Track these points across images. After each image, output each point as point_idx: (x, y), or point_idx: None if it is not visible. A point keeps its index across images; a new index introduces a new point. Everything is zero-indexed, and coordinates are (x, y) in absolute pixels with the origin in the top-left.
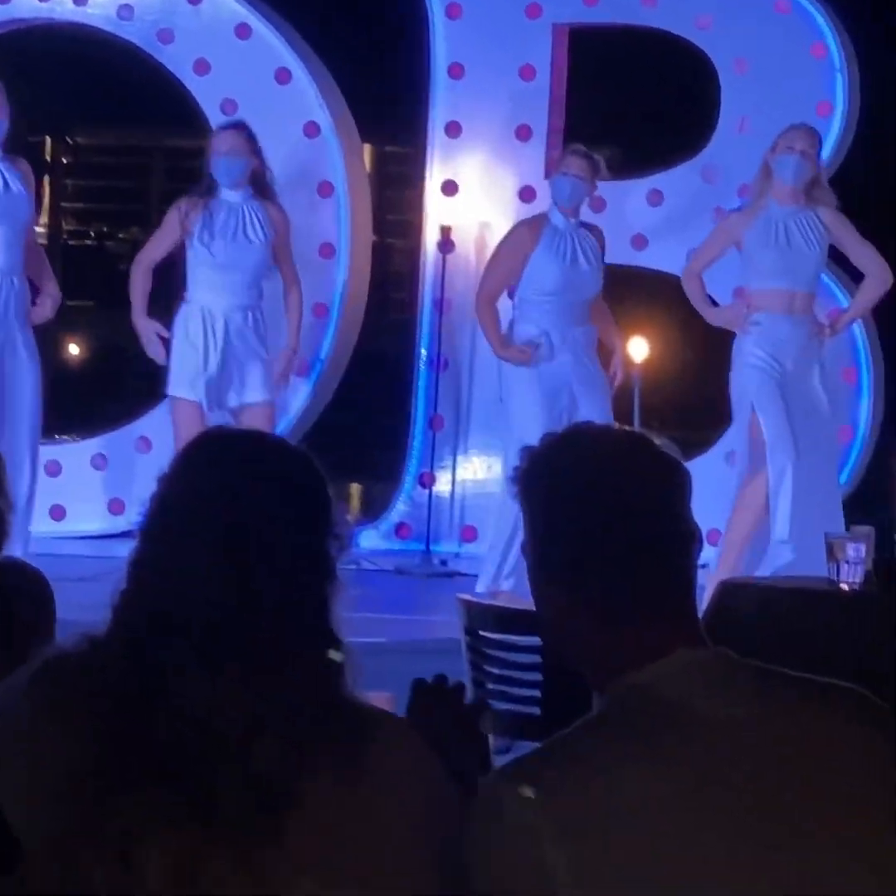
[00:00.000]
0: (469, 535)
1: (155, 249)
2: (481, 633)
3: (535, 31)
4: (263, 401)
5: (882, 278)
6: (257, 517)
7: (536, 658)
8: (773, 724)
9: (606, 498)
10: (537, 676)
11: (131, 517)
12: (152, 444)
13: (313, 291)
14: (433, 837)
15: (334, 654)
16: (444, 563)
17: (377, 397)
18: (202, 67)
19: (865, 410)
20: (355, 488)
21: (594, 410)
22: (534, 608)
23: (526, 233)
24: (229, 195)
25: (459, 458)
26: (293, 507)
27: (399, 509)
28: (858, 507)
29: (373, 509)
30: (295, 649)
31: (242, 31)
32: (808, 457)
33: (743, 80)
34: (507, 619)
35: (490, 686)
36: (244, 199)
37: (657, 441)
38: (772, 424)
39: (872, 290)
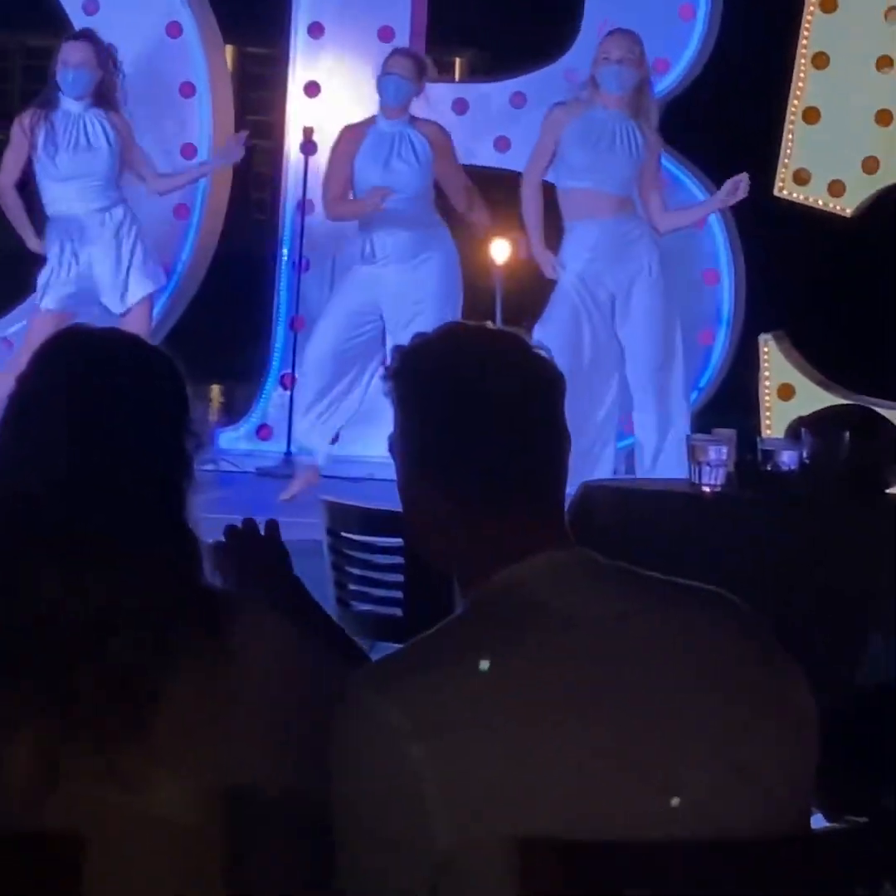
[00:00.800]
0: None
1: (9, 170)
2: (343, 534)
3: None
4: (136, 302)
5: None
6: (109, 410)
7: (399, 559)
8: (636, 623)
9: (485, 394)
10: (399, 578)
11: None
12: (14, 345)
13: (174, 192)
14: (295, 725)
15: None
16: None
17: (238, 298)
18: None
19: (727, 313)
20: (215, 389)
21: (418, 312)
22: (397, 509)
23: (349, 136)
24: (72, 105)
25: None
26: (147, 401)
27: (260, 411)
28: (722, 409)
29: (234, 411)
30: (148, 541)
31: None
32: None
33: None
34: (371, 519)
35: (352, 587)
36: (85, 108)
37: (531, 343)
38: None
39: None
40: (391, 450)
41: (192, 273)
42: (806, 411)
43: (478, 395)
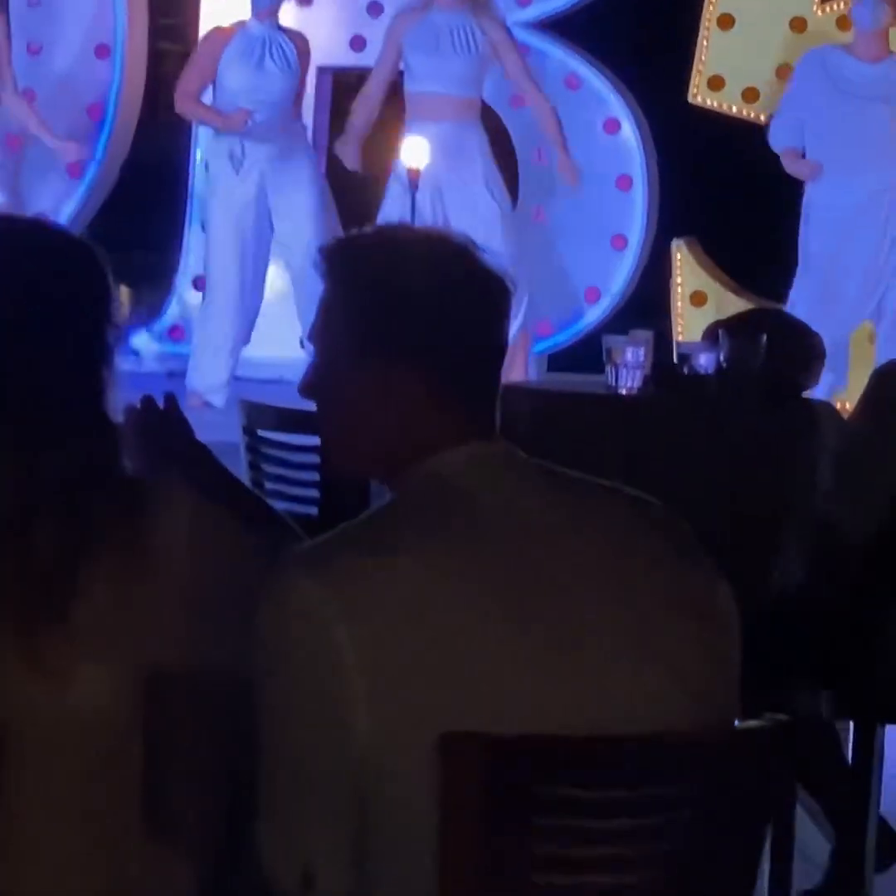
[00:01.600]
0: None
1: None
2: (260, 432)
3: None
4: None
5: (549, 113)
6: (30, 298)
7: (315, 458)
8: (559, 517)
9: (434, 285)
10: (315, 476)
11: None
12: None
13: (88, 92)
14: (218, 605)
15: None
16: None
17: (151, 200)
18: None
19: (640, 218)
20: (125, 291)
21: (294, 216)
22: (314, 409)
23: (217, 36)
24: None
25: None
26: (68, 289)
27: (172, 312)
28: (635, 314)
29: (146, 312)
30: (68, 429)
31: None
32: None
33: None
34: (286, 419)
35: (268, 486)
36: None
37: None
38: None
39: (549, 125)
40: (312, 338)
41: (106, 173)
42: (718, 317)
43: (427, 285)
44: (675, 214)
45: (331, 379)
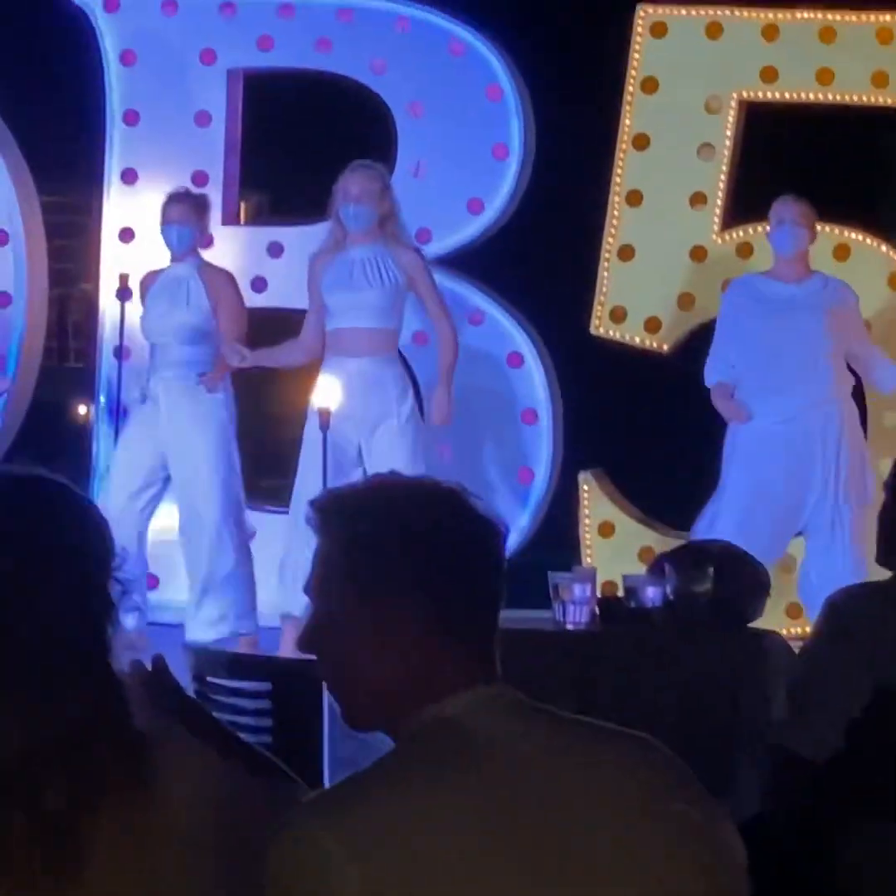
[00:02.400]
0: (153, 583)
1: None
2: (209, 679)
3: (210, 76)
4: None
5: (449, 344)
6: (35, 554)
7: (266, 703)
8: (561, 758)
9: (435, 538)
10: (268, 722)
11: None
12: None
13: None
14: (226, 859)
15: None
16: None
17: (56, 447)
18: None
19: (546, 452)
20: None
21: (188, 460)
22: (264, 654)
23: (145, 282)
24: None
25: None
26: (73, 545)
27: None
28: (543, 547)
29: None
30: (72, 684)
31: None
32: None
33: (419, 123)
34: (237, 665)
35: None
36: None
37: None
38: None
39: (444, 356)
40: (310, 591)
41: (9, 421)
42: (626, 548)
43: (422, 531)
44: (581, 446)
45: (331, 630)
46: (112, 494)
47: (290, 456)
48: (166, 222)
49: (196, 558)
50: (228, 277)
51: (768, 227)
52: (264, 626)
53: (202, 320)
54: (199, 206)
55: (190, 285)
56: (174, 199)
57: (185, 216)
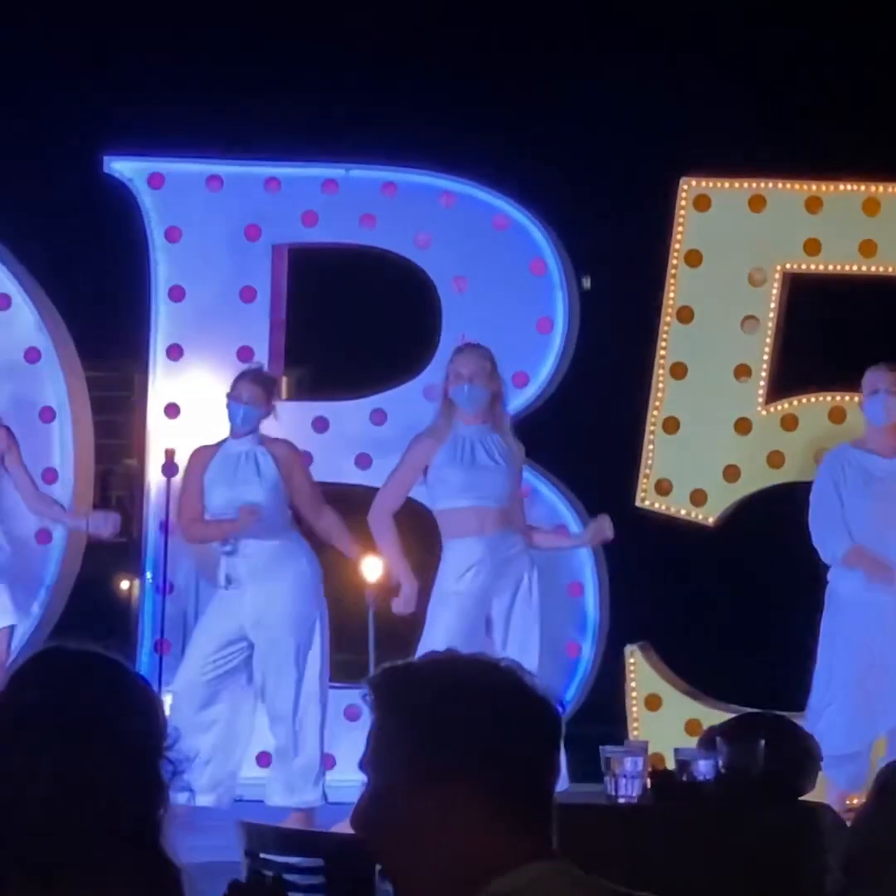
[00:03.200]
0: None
1: None
2: (262, 855)
3: (255, 252)
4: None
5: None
6: (87, 739)
7: (320, 879)
8: None
9: (492, 719)
10: None
11: None
12: None
13: (36, 516)
14: None
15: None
16: None
17: (102, 622)
18: None
19: (592, 624)
20: None
21: (278, 634)
22: (316, 830)
23: (198, 457)
24: None
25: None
26: (124, 729)
27: None
28: (590, 720)
29: None
30: (127, 870)
31: None
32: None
33: (463, 298)
34: (289, 840)
35: None
36: None
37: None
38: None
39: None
40: (365, 767)
41: (57, 596)
42: (673, 720)
43: (482, 711)
44: (627, 618)
45: (390, 807)
46: (189, 667)
47: (352, 630)
48: (235, 399)
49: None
50: (291, 446)
51: (860, 397)
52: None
53: (274, 492)
54: (267, 385)
55: (258, 460)
56: (246, 378)
57: (255, 397)
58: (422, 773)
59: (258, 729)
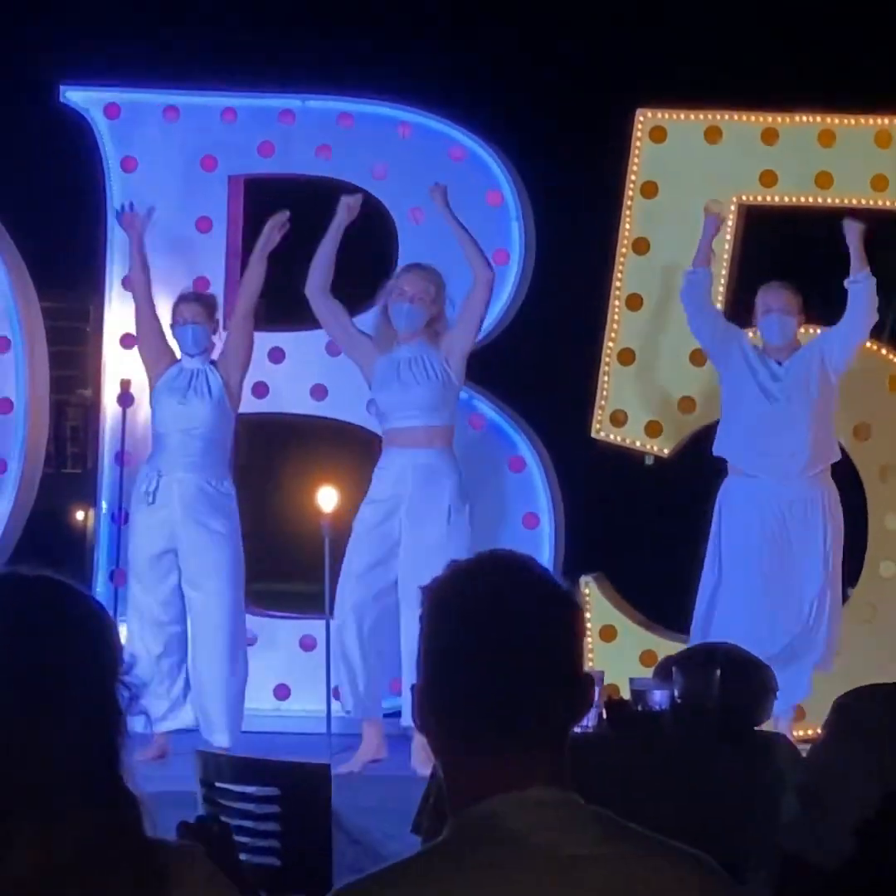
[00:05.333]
0: None
1: None
2: (218, 784)
3: (211, 182)
4: None
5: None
6: (42, 663)
7: (275, 808)
8: (609, 865)
9: (481, 630)
10: (276, 827)
11: None
12: None
13: None
14: None
15: None
16: None
17: (58, 552)
18: None
19: (547, 556)
20: None
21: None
22: (270, 759)
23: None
24: None
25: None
26: (80, 652)
27: None
28: None
29: None
30: (84, 797)
31: None
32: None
33: (419, 229)
34: (244, 769)
35: None
36: None
37: (546, 576)
38: None
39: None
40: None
41: (12, 527)
42: (628, 651)
43: (465, 630)
44: (582, 550)
45: (419, 710)
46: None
47: (308, 560)
48: (179, 323)
49: (196, 661)
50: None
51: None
52: (265, 731)
53: (219, 413)
54: (209, 305)
55: (209, 379)
56: (185, 300)
57: (199, 316)
58: (421, 684)
59: (270, 661)
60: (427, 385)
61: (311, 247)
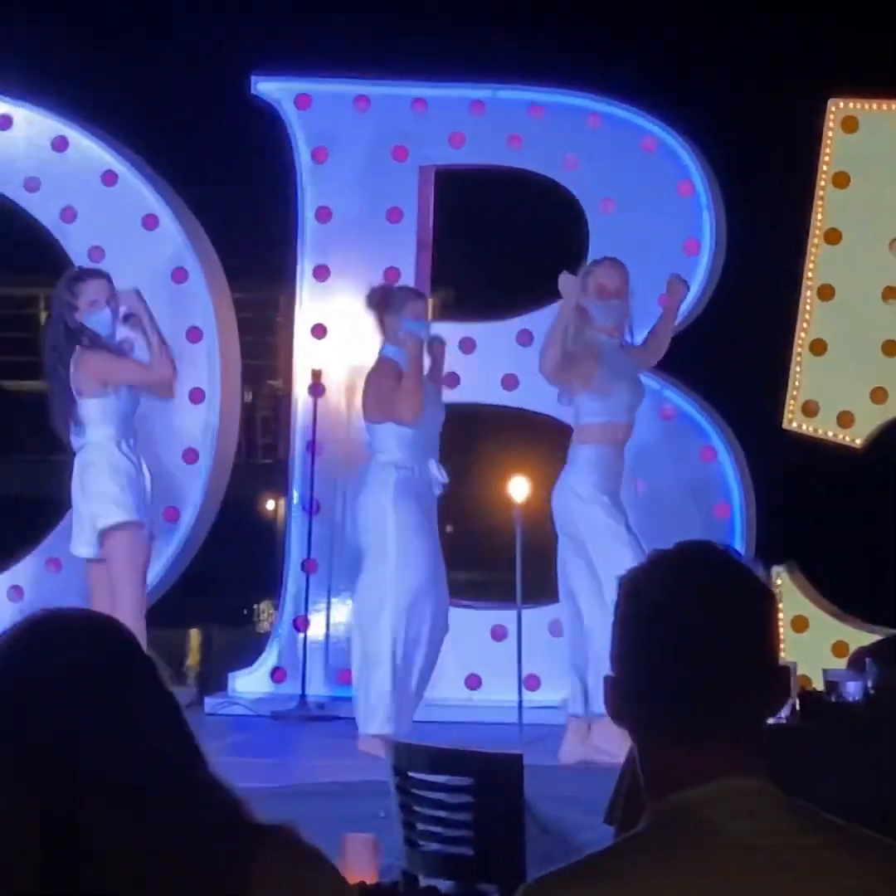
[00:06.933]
0: (345, 678)
1: None
2: (411, 774)
3: (402, 173)
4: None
5: None
6: (110, 693)
7: (468, 798)
8: (810, 857)
9: (684, 621)
10: (468, 816)
11: None
12: (24, 592)
13: (184, 436)
14: None
15: None
16: (320, 706)
17: (249, 542)
18: (69, 215)
19: (738, 545)
20: (226, 632)
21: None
22: (464, 748)
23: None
24: None
25: (334, 601)
26: (137, 671)
27: (274, 654)
28: None
29: (247, 654)
30: (163, 792)
31: (109, 177)
32: None
33: (610, 220)
34: (438, 759)
35: (420, 827)
36: None
37: (745, 567)
38: None
39: None
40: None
41: (203, 516)
42: (820, 643)
43: (671, 622)
44: (774, 540)
45: (613, 700)
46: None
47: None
48: (414, 318)
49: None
50: None
51: None
52: (456, 721)
53: None
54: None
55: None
56: (419, 296)
57: (427, 314)
58: (617, 675)
59: (462, 650)
60: (638, 382)
61: (500, 239)
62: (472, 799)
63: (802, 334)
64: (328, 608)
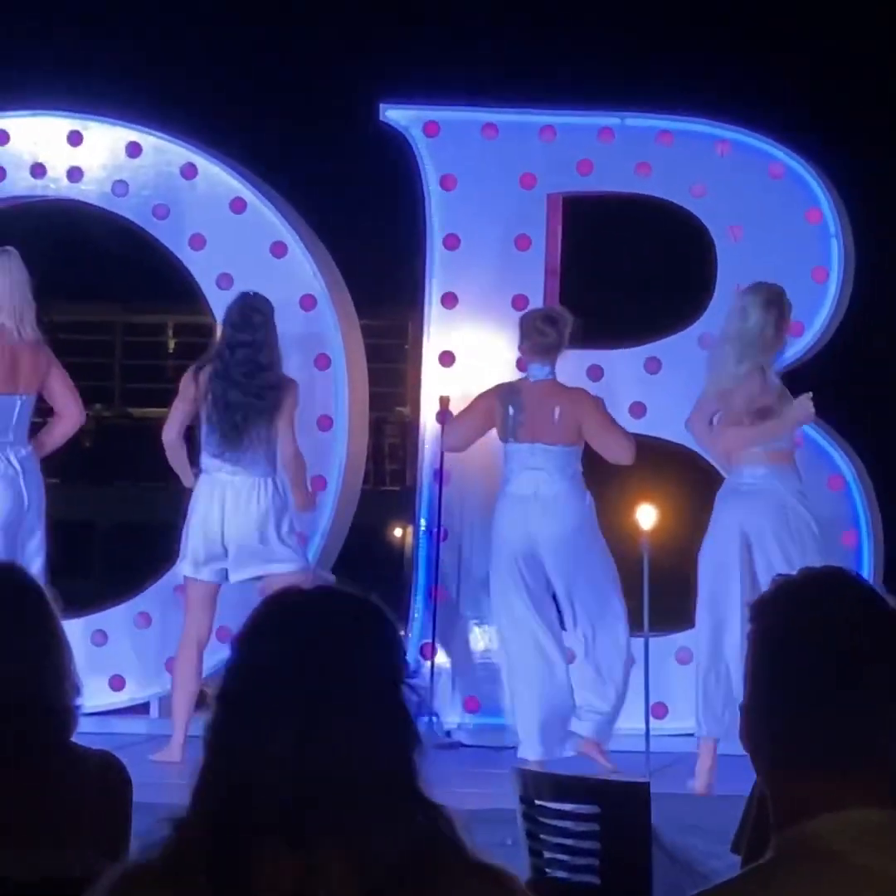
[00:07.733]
0: (472, 705)
1: (179, 421)
2: (537, 802)
3: (530, 200)
4: (289, 571)
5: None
6: (334, 679)
7: (594, 826)
8: None
9: (821, 649)
10: (595, 845)
11: (131, 692)
12: (152, 619)
13: (312, 464)
14: None
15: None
16: (448, 734)
17: (376, 569)
18: (198, 242)
19: (867, 573)
20: None
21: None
22: (589, 776)
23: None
24: None
25: (461, 629)
26: (372, 666)
27: None
28: None
29: None
30: (386, 818)
31: (237, 204)
32: None
33: (738, 247)
34: (564, 787)
35: (547, 855)
36: None
37: (878, 592)
38: None
39: None
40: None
41: (331, 544)
42: None
43: (808, 646)
44: None
45: (748, 726)
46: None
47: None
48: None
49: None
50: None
51: None
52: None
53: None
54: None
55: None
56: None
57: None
58: (750, 698)
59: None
60: None
61: (628, 263)
62: (599, 827)
63: None
64: (455, 635)
